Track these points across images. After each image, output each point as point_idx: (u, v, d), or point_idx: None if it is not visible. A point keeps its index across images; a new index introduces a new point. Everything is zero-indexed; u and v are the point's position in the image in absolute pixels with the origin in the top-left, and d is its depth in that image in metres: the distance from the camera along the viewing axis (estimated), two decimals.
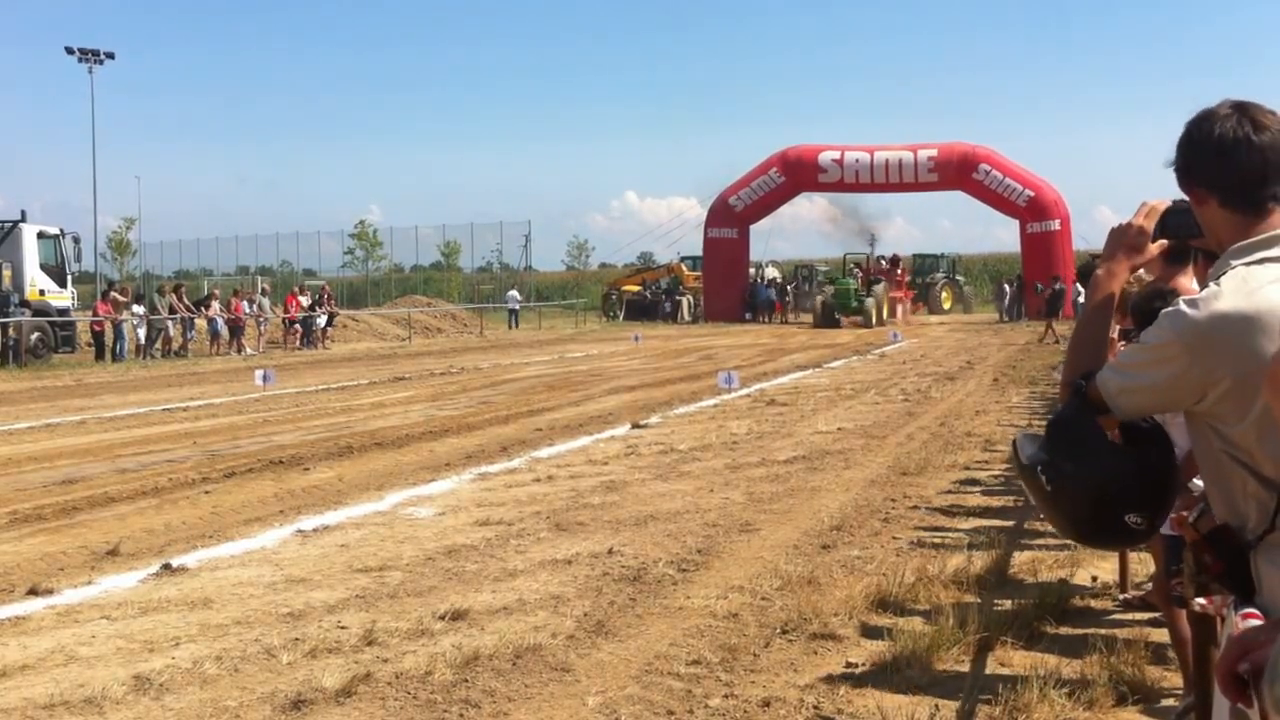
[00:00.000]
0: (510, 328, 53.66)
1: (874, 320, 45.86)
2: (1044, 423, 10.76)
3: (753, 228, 55.33)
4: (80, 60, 55.59)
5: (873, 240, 54.66)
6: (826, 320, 46.60)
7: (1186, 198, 2.65)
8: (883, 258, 55.18)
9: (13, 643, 5.95)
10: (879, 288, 48.55)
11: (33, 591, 6.94)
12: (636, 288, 62.00)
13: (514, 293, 58.33)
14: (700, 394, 19.04)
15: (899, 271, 54.25)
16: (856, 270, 51.16)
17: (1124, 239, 2.76)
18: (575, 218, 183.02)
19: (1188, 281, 4.31)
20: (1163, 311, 2.49)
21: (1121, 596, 6.57)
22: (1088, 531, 2.73)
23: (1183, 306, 2.42)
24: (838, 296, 47.76)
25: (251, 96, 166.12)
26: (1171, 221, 2.76)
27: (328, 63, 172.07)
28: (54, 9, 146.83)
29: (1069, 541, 7.63)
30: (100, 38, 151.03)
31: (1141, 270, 3.38)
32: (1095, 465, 2.56)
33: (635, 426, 14.64)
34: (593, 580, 7.07)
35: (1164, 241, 2.78)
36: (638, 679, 5.32)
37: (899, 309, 51.08)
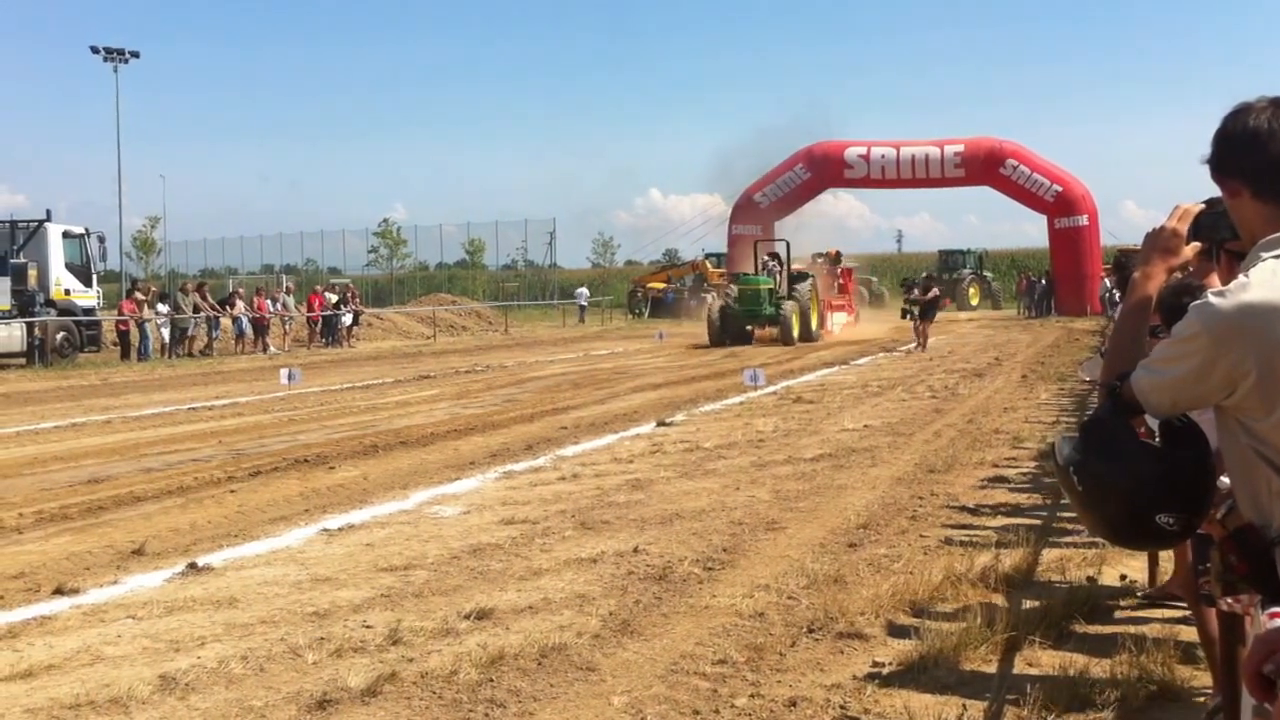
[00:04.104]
0: (580, 321, 56.74)
1: (796, 333, 32.99)
2: (1073, 420, 10.72)
3: (777, 224, 55.21)
4: (105, 59, 55.80)
5: (899, 238, 53.10)
6: (726, 333, 33.33)
7: (1218, 195, 2.64)
8: (820, 255, 43.52)
9: (39, 642, 5.97)
10: (804, 286, 34.92)
11: (59, 591, 6.96)
12: (662, 285, 62.07)
13: (584, 290, 60.95)
14: (726, 391, 19.01)
15: (840, 270, 42.78)
16: (774, 265, 35.78)
17: (1158, 242, 2.75)
18: (599, 215, 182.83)
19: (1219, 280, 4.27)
20: (1191, 304, 2.48)
21: (1138, 596, 6.51)
22: (1121, 533, 2.71)
23: (1210, 298, 2.42)
24: (743, 300, 33.68)
25: (275, 95, 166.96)
26: (1205, 223, 2.75)
27: (352, 61, 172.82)
28: (79, 8, 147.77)
29: (1096, 539, 7.58)
30: (125, 37, 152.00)
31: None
32: (1127, 466, 2.54)
33: (660, 424, 14.61)
34: (618, 579, 7.05)
35: (1198, 244, 2.77)
36: (663, 678, 5.30)
37: (832, 319, 38.66)
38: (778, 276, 34.77)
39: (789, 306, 33.12)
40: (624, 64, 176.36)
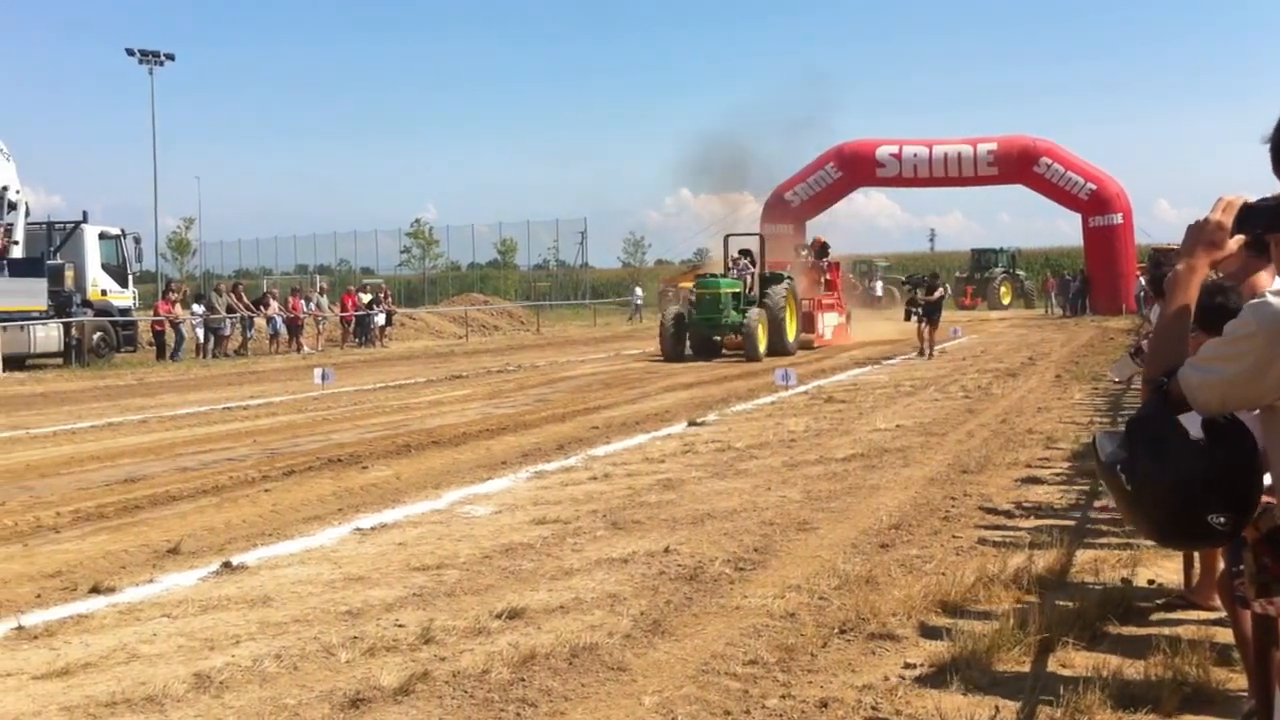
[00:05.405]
0: (631, 320, 57.80)
1: (763, 346, 27.41)
2: (1106, 421, 10.58)
3: (809, 223, 55.06)
4: (141, 62, 56.35)
5: (931, 236, 51.84)
6: (683, 344, 28.19)
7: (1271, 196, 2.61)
8: (804, 248, 38.42)
9: (75, 641, 6.02)
10: (778, 289, 28.93)
11: (95, 589, 7.02)
12: (692, 284, 62.03)
13: (638, 289, 61.56)
14: (757, 391, 19.00)
15: (827, 265, 35.81)
16: (744, 263, 30.09)
17: (1202, 235, 2.71)
18: (630, 214, 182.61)
19: (1268, 277, 4.22)
20: (1248, 303, 2.45)
21: (1159, 601, 6.47)
22: (1169, 532, 2.66)
23: (1269, 298, 2.38)
24: (700, 306, 28.14)
25: (308, 96, 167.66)
26: (1249, 217, 2.71)
27: (384, 61, 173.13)
28: (115, 11, 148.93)
29: (1131, 540, 7.53)
30: (160, 39, 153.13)
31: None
32: (1176, 464, 2.50)
33: (692, 424, 14.61)
34: (649, 579, 7.05)
35: (1242, 237, 2.73)
36: (694, 679, 5.30)
37: (821, 322, 32.89)
38: (748, 278, 29.47)
39: (754, 315, 27.55)
40: (651, 64, 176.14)
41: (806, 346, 30.55)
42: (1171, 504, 2.53)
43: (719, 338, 28.68)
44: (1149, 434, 2.55)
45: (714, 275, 29.51)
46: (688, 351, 28.23)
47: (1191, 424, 2.57)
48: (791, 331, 29.07)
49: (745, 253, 30.45)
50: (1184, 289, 2.69)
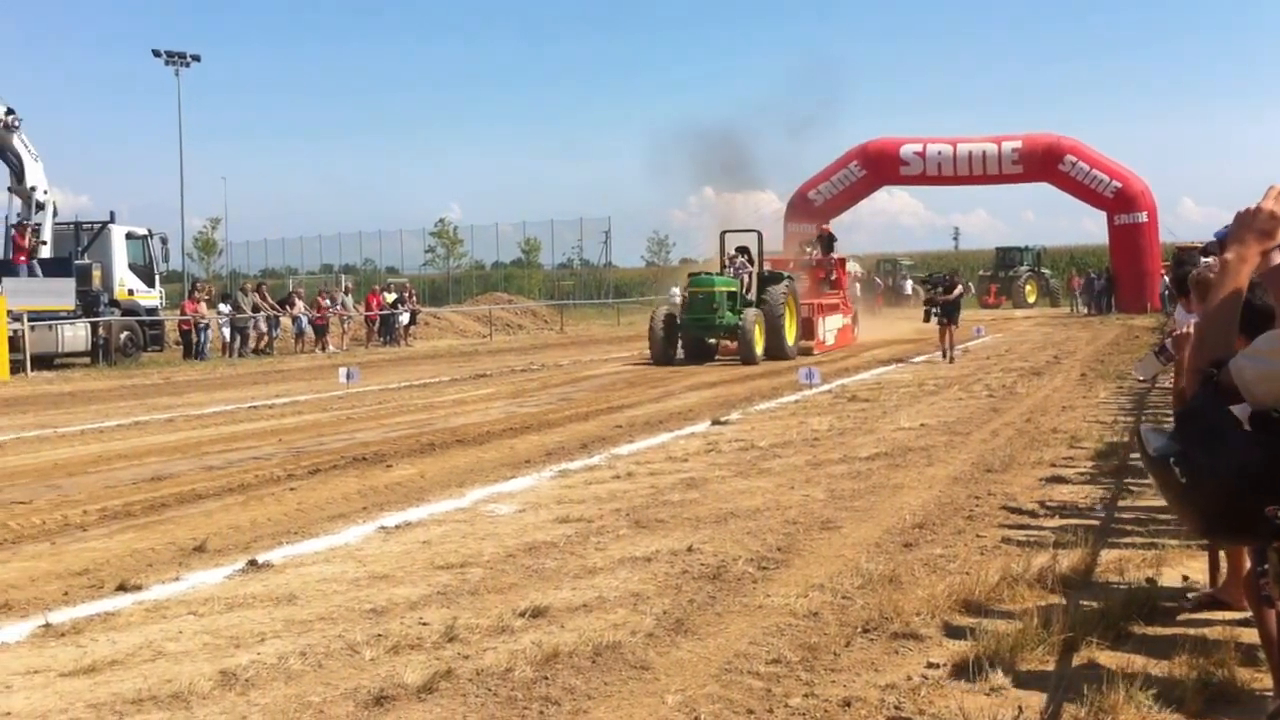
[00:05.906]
0: None
1: (760, 348, 25.67)
2: (1131, 419, 10.51)
3: (833, 222, 54.88)
4: (167, 63, 56.43)
5: (956, 235, 51.12)
6: (674, 346, 26.49)
7: None
8: (807, 245, 36.18)
9: (102, 638, 6.06)
10: (777, 289, 26.93)
11: (122, 587, 7.06)
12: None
13: (675, 289, 61.12)
14: (781, 390, 18.98)
15: (834, 263, 34.02)
16: (742, 261, 28.09)
17: (1254, 223, 2.66)
18: (654, 213, 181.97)
19: None
20: None
21: (1189, 596, 6.43)
22: (1222, 526, 2.60)
23: None
24: (692, 306, 26.52)
25: (334, 96, 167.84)
26: None
27: (408, 61, 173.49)
28: (142, 13, 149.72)
29: (1156, 540, 7.50)
30: (186, 40, 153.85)
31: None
32: (1233, 455, 2.44)
33: (715, 423, 14.61)
34: (672, 578, 7.05)
35: None
36: (717, 677, 5.30)
37: (822, 326, 30.19)
38: (746, 277, 27.51)
39: (751, 315, 25.66)
40: (680, 61, 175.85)
41: (806, 352, 28.05)
42: (1227, 496, 2.47)
43: (713, 340, 26.98)
44: (1202, 425, 2.49)
45: (708, 274, 27.64)
46: (679, 355, 26.68)
47: (1239, 415, 2.53)
48: (791, 335, 27.08)
49: (743, 250, 28.31)
50: (1233, 278, 2.63)
